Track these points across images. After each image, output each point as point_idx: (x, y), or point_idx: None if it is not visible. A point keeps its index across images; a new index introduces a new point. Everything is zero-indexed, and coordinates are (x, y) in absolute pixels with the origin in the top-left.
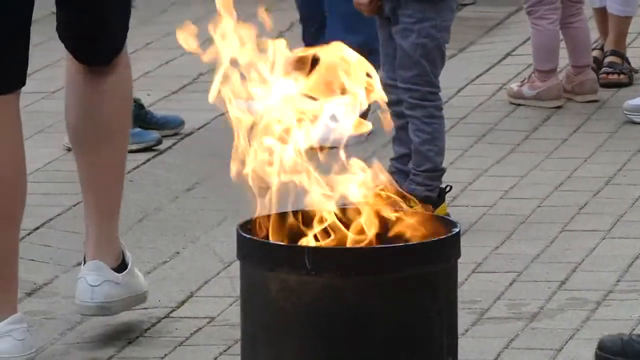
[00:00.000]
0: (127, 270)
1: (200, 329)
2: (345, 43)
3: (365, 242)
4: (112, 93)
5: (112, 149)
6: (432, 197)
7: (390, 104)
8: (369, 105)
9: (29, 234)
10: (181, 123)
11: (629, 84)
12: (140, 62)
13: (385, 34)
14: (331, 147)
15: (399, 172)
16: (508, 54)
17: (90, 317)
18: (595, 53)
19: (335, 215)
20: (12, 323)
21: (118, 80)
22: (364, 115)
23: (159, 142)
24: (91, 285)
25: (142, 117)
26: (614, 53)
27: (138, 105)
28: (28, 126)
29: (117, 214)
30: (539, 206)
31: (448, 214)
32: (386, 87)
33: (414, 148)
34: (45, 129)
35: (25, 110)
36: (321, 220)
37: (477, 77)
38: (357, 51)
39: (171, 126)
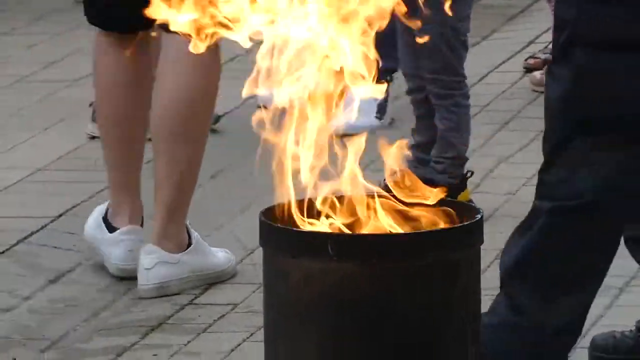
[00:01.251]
0: (187, 250)
1: (223, 315)
2: None
3: (388, 229)
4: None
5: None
6: (454, 185)
7: (410, 92)
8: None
9: (52, 221)
10: (216, 119)
11: None
12: None
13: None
14: (352, 134)
15: (419, 160)
16: (531, 42)
17: (150, 298)
18: None
19: (358, 202)
20: (123, 233)
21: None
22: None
23: None
24: (146, 269)
25: None
26: None
27: None
28: (52, 115)
29: (187, 206)
30: None
31: (471, 200)
32: (405, 75)
33: (439, 135)
34: (68, 118)
35: (48, 99)
36: (344, 208)
37: (500, 64)
38: None
39: None
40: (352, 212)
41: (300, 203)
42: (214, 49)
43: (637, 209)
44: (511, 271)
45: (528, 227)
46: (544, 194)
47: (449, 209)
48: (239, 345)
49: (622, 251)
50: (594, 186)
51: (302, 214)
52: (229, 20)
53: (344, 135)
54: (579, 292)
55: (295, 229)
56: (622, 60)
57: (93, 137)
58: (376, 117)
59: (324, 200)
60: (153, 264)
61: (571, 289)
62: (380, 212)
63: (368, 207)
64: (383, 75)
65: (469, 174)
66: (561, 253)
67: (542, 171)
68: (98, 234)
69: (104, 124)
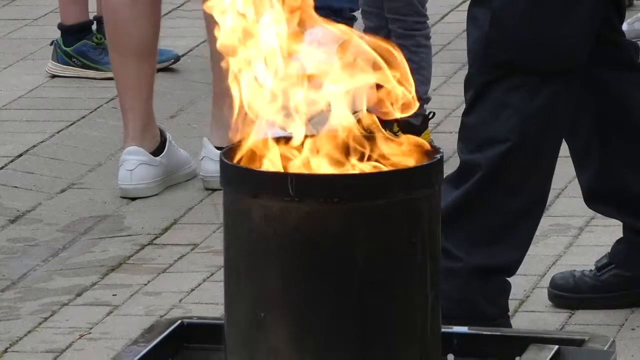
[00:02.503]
0: (163, 152)
1: (183, 255)
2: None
3: (348, 168)
4: None
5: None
6: (415, 125)
7: (368, 30)
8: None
9: (11, 161)
10: (174, 58)
11: None
12: None
13: None
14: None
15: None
16: None
17: (131, 199)
18: None
19: (319, 141)
20: (126, 154)
21: None
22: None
23: None
24: (128, 170)
25: None
26: None
27: None
28: (11, 54)
29: (151, 97)
30: None
31: (432, 141)
32: (364, 13)
33: None
34: (29, 56)
35: (7, 37)
36: (305, 146)
37: (461, 4)
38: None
39: (162, 60)
40: (317, 150)
41: (262, 142)
42: None
43: (558, 146)
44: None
45: (461, 179)
46: (469, 138)
47: (409, 148)
48: (199, 285)
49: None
50: (517, 127)
51: (264, 153)
52: None
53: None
54: (512, 238)
55: (255, 168)
56: (535, 3)
57: (53, 76)
58: None
59: (286, 139)
60: (135, 165)
61: (504, 235)
62: (341, 151)
63: (329, 145)
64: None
65: (431, 115)
66: (496, 202)
67: (466, 114)
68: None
69: (117, 42)
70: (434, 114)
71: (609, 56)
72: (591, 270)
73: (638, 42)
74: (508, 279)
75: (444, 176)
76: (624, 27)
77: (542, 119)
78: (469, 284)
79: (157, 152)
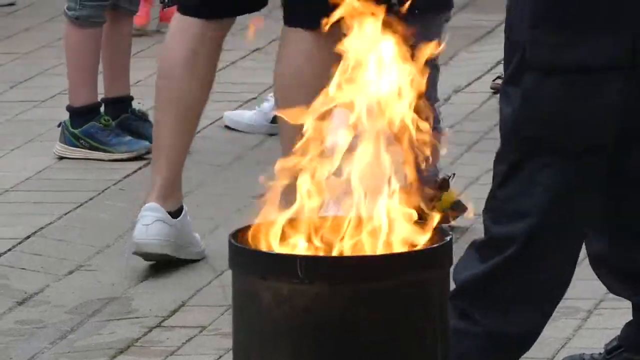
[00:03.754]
0: (180, 217)
1: (191, 338)
2: None
3: (358, 250)
4: None
5: None
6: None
7: None
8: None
9: (19, 243)
10: None
11: None
12: (131, 71)
13: None
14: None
15: None
16: (498, 63)
17: (146, 257)
18: None
19: (330, 223)
20: (145, 210)
21: None
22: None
23: (150, 150)
24: (144, 225)
25: (137, 128)
26: None
27: (137, 116)
28: (19, 135)
29: (184, 160)
30: None
31: (458, 201)
32: None
33: None
34: (36, 138)
35: (16, 119)
36: (315, 228)
37: (467, 85)
38: None
39: None
40: (323, 233)
41: (270, 224)
42: None
43: (585, 227)
44: (466, 287)
45: (489, 251)
46: (497, 211)
47: (419, 230)
48: None
49: (591, 274)
50: (546, 205)
51: (273, 235)
52: None
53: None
54: (532, 311)
55: (264, 250)
56: (566, 83)
57: (61, 158)
58: None
59: (296, 220)
60: (152, 221)
61: (525, 306)
62: (351, 234)
63: (339, 228)
64: None
65: (452, 176)
66: (521, 275)
67: (497, 188)
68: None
69: (164, 99)
70: (454, 174)
71: None
72: (600, 354)
73: None
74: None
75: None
76: None
77: (570, 197)
78: (486, 348)
79: (174, 215)
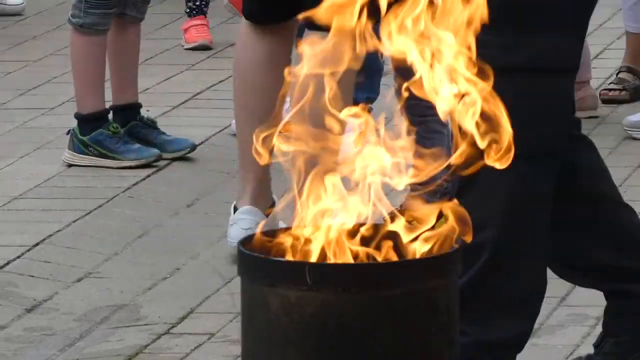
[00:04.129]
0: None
1: (200, 345)
2: None
3: (367, 257)
4: None
5: None
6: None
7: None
8: None
9: (28, 250)
10: (191, 147)
11: (629, 100)
12: (140, 78)
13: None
14: None
15: None
16: None
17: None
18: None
19: (339, 230)
20: (242, 213)
21: None
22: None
23: (159, 158)
24: (243, 229)
25: (145, 135)
26: (626, 69)
27: (146, 124)
28: (28, 142)
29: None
30: None
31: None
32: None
33: None
34: (45, 145)
35: (25, 126)
36: (324, 236)
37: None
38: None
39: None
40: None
41: (279, 231)
42: None
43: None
44: None
45: (468, 262)
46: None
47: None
48: None
49: None
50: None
51: (281, 242)
52: None
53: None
54: (517, 314)
55: (272, 257)
56: (522, 84)
57: (70, 165)
58: None
59: (305, 228)
60: (251, 225)
61: (508, 310)
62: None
63: (349, 234)
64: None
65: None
66: (496, 284)
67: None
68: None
69: (245, 102)
70: None
71: None
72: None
73: None
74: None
75: None
76: None
77: (532, 202)
78: (478, 357)
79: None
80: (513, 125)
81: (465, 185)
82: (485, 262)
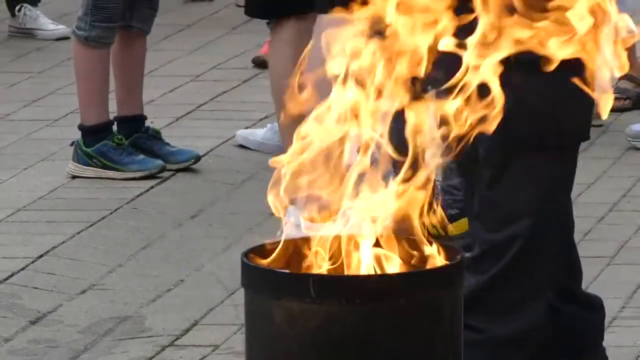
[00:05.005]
0: None
1: (204, 357)
2: None
3: (370, 269)
4: None
5: None
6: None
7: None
8: None
9: (32, 262)
10: (195, 158)
11: (630, 108)
12: (144, 89)
13: None
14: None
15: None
16: None
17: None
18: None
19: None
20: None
21: None
22: None
23: (163, 169)
24: (297, 225)
25: (150, 146)
26: (626, 77)
27: (150, 135)
28: (32, 154)
29: None
30: None
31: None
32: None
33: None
34: (49, 157)
35: (28, 138)
36: (327, 248)
37: None
38: None
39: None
40: (335, 252)
41: (283, 243)
42: None
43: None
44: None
45: (484, 263)
46: (491, 217)
47: (431, 249)
48: None
49: (603, 292)
50: (542, 200)
51: (285, 254)
52: None
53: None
54: (533, 306)
55: (276, 269)
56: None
57: (74, 177)
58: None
59: (309, 239)
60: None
61: (525, 304)
62: (364, 252)
63: (351, 246)
64: None
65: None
66: (519, 277)
67: (487, 192)
68: None
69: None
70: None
71: None
72: None
73: None
74: None
75: None
76: None
77: (559, 193)
78: (492, 356)
79: None
80: (549, 118)
81: (496, 179)
82: (515, 256)
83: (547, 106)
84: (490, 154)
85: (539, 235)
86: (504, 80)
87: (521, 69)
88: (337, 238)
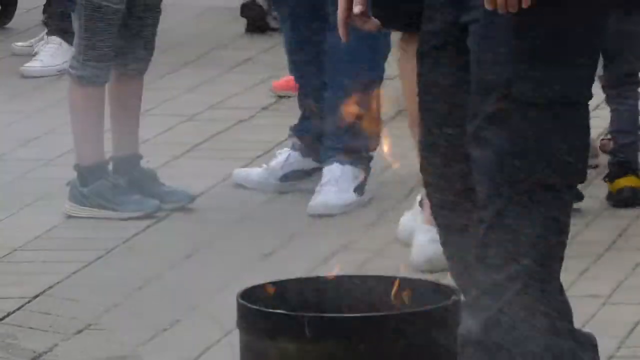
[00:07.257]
0: None
1: None
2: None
3: (365, 309)
4: None
5: None
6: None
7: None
8: None
9: (28, 302)
10: (190, 199)
11: None
12: (140, 128)
13: None
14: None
15: None
16: None
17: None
18: None
19: (337, 283)
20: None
21: None
22: None
23: (158, 209)
24: (421, 245)
25: (145, 186)
26: None
27: (146, 175)
28: (28, 193)
29: None
30: None
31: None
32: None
33: None
34: (46, 196)
35: (25, 177)
36: (323, 289)
37: None
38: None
39: (175, 200)
40: (332, 293)
41: (278, 284)
42: None
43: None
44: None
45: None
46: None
47: (427, 290)
48: None
49: (600, 331)
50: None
51: (281, 294)
52: None
53: (320, 215)
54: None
55: (271, 310)
56: (555, 117)
57: (70, 217)
58: (355, 193)
59: (304, 281)
60: (427, 241)
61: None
62: (360, 294)
63: (350, 288)
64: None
65: None
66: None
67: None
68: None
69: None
70: None
71: None
72: None
73: None
74: None
75: None
76: None
77: (563, 233)
78: None
79: None
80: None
81: (497, 220)
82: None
83: (544, 146)
84: (490, 195)
85: (541, 276)
86: (499, 120)
87: (521, 106)
88: (333, 278)
